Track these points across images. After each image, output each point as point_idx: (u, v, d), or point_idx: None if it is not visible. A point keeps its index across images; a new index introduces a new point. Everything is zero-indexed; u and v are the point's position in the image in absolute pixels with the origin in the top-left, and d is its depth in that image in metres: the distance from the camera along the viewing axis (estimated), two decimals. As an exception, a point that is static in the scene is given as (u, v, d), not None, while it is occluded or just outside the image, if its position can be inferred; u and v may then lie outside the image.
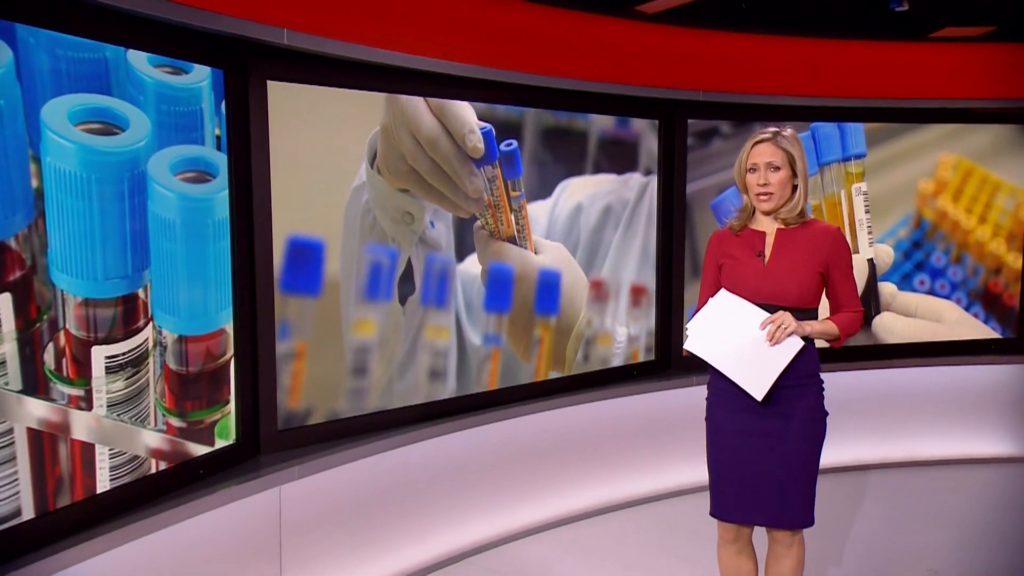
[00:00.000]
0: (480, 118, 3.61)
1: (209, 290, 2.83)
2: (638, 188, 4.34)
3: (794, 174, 2.69)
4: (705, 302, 2.79)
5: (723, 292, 2.73)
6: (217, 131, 2.83)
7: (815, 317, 2.72)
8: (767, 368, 2.62)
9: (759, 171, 2.67)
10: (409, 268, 3.44)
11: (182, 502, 2.64)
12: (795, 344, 2.63)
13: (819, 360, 2.75)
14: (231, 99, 2.88)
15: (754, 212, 2.77)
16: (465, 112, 3.56)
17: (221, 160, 2.85)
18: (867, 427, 4.94)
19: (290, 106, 3.06)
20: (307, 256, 3.13)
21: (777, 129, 2.70)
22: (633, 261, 4.36)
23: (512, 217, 3.78)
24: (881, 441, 4.97)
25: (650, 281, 4.45)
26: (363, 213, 3.27)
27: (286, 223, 3.06)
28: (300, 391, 3.17)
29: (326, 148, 3.16)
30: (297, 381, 3.15)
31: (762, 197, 2.68)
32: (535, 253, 3.90)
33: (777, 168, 2.66)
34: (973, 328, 5.00)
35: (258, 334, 3.03)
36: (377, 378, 3.40)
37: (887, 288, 4.87)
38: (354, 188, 3.24)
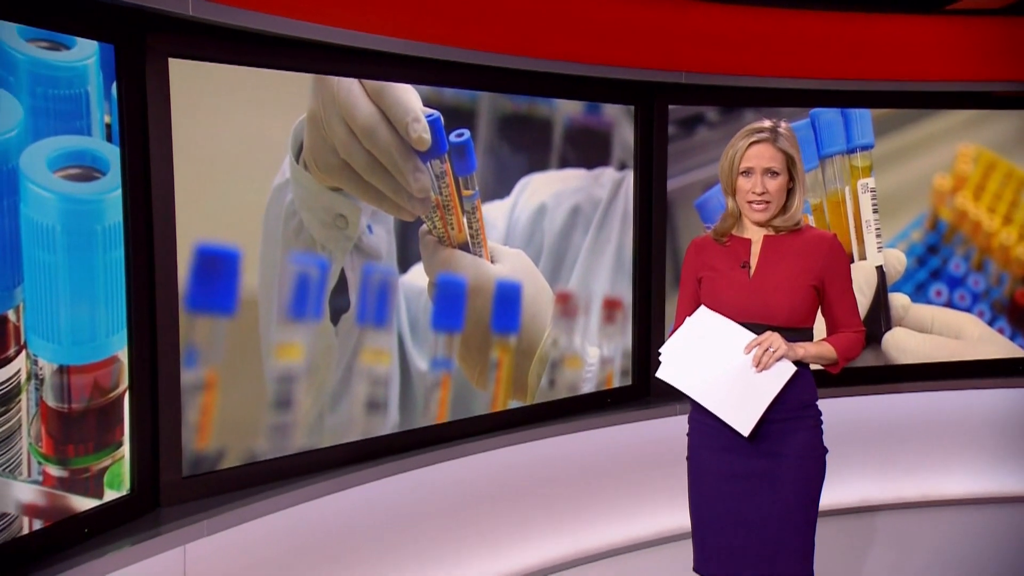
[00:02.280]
0: (426, 103, 3.58)
1: (98, 310, 2.73)
2: (611, 185, 4.33)
3: (791, 178, 2.71)
4: (683, 322, 2.80)
5: (702, 310, 2.75)
6: (107, 118, 2.74)
7: (810, 338, 2.75)
8: (754, 399, 2.63)
9: (754, 176, 2.69)
10: (342, 281, 3.40)
11: (63, 568, 2.53)
12: (786, 370, 2.64)
13: (816, 387, 2.77)
14: (124, 80, 2.80)
15: (740, 217, 2.79)
16: (408, 97, 3.52)
17: (112, 153, 2.76)
18: (874, 461, 4.94)
19: (197, 89, 2.99)
20: (219, 267, 3.07)
21: (773, 124, 2.72)
22: (606, 270, 4.35)
23: (464, 220, 3.76)
24: (891, 478, 4.97)
25: (626, 293, 4.44)
26: (287, 216, 3.22)
27: (193, 228, 3.00)
28: (210, 429, 3.10)
29: (242, 139, 3.10)
30: (207, 417, 3.08)
31: (757, 206, 2.71)
32: (491, 262, 3.88)
33: (776, 174, 2.69)
34: (998, 345, 5.00)
35: (159, 362, 2.95)
36: (304, 412, 3.34)
37: (899, 300, 4.87)
38: (276, 186, 3.20)
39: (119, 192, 2.78)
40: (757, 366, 2.61)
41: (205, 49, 3.00)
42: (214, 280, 3.05)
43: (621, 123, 4.34)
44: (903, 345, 4.87)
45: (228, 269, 3.08)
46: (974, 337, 4.95)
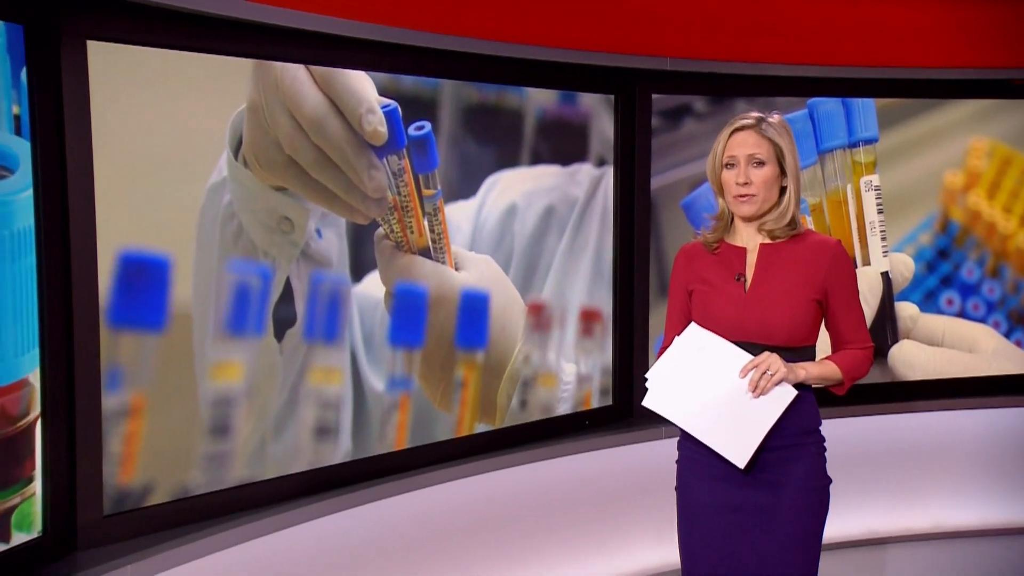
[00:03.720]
0: (382, 93, 3.56)
1: (5, 327, 2.67)
2: (589, 183, 4.33)
3: (782, 172, 2.74)
4: (672, 340, 2.82)
5: (692, 327, 2.75)
6: (16, 109, 2.69)
7: (812, 357, 2.77)
8: (750, 427, 2.64)
9: (738, 166, 2.72)
10: (288, 291, 3.37)
11: (-36, 623, 2.49)
12: (785, 394, 2.64)
13: (819, 412, 2.79)
14: (36, 66, 2.74)
15: (732, 222, 2.82)
16: (361, 85, 3.50)
17: (22, 148, 2.71)
18: (882, 489, 4.94)
19: (120, 76, 2.93)
20: (146, 277, 3.02)
21: (761, 115, 2.76)
22: (583, 278, 4.34)
23: (425, 222, 3.74)
24: (900, 507, 4.98)
25: (605, 303, 4.43)
26: (224, 219, 3.19)
27: (116, 233, 2.94)
28: (136, 461, 3.04)
29: (172, 132, 3.07)
30: (132, 447, 3.02)
31: (742, 199, 2.73)
32: (455, 269, 3.86)
33: (761, 163, 2.71)
34: (1015, 360, 5.01)
35: (76, 385, 2.88)
36: (244, 440, 3.30)
37: (906, 309, 4.88)
38: (211, 186, 3.16)
39: (30, 192, 2.73)
40: (753, 391, 2.62)
41: (129, 31, 2.93)
42: (141, 292, 3.00)
43: (599, 114, 4.34)
44: (911, 360, 4.87)
45: (157, 279, 3.03)
46: (989, 350, 4.95)
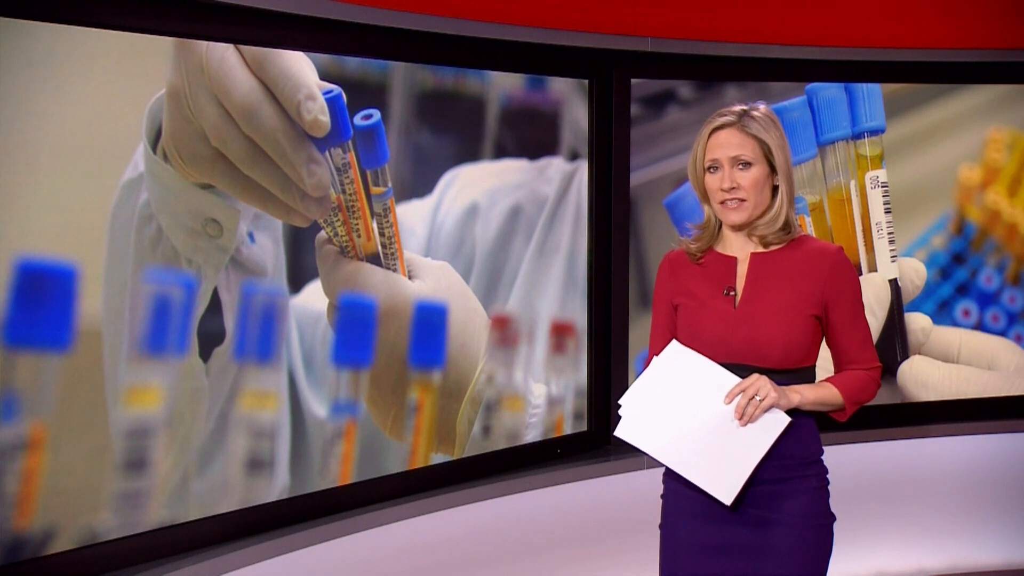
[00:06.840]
0: (324, 76, 3.55)
1: None
2: (560, 180, 4.33)
3: (772, 170, 2.73)
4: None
5: (673, 346, 2.75)
6: None
7: (811, 380, 2.77)
8: (737, 459, 2.64)
9: (721, 170, 2.73)
10: (215, 304, 3.35)
11: None
12: (777, 422, 2.64)
13: (820, 440, 2.78)
14: None
15: (719, 229, 2.82)
16: (300, 68, 3.48)
17: None
18: (892, 524, 4.94)
19: (17, 56, 2.88)
20: (48, 289, 2.97)
21: (743, 108, 2.75)
22: (554, 286, 4.35)
23: (374, 224, 3.73)
24: (912, 544, 4.97)
25: (579, 315, 4.43)
26: (141, 221, 3.15)
27: (12, 238, 2.89)
28: (36, 502, 2.98)
29: (79, 122, 3.02)
30: (31, 486, 2.95)
31: (730, 205, 2.73)
32: (409, 277, 3.85)
33: (747, 164, 2.71)
34: (1039, 378, 5.06)
35: None
36: (164, 475, 3.25)
37: (918, 321, 4.88)
38: (125, 183, 3.12)
39: (-92, 192, 2.71)
40: (740, 418, 2.60)
41: (27, 5, 2.89)
42: (41, 306, 2.95)
43: (572, 102, 4.35)
44: (923, 378, 4.87)
45: (61, 291, 2.99)
46: (1011, 367, 4.96)
